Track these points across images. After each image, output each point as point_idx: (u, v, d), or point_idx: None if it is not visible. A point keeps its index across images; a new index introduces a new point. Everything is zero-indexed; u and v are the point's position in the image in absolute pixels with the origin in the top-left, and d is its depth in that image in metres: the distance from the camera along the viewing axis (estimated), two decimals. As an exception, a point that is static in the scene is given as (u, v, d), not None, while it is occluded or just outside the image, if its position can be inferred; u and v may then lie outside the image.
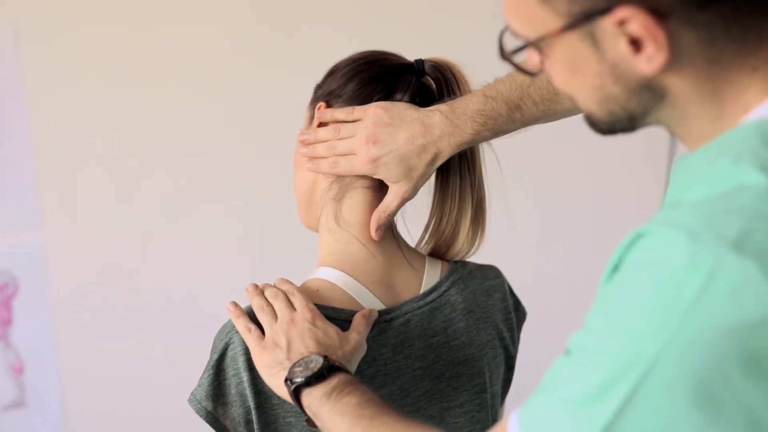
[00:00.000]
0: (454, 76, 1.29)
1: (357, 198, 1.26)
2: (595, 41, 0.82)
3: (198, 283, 2.55)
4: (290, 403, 1.17)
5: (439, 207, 1.31)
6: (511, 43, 0.89)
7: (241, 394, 1.18)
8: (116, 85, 2.47)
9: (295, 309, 1.17)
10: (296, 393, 1.11)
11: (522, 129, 1.28)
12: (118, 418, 2.53)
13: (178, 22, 2.50)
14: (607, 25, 0.80)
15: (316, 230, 1.31)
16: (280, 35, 2.53)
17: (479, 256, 1.42)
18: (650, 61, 0.80)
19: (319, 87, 1.31)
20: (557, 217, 2.71)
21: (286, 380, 1.12)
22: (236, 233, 2.57)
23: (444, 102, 1.25)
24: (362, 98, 1.25)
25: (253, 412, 1.18)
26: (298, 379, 1.10)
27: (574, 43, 0.83)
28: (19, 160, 2.44)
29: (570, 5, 0.82)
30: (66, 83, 2.45)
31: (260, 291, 1.21)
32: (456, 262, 1.35)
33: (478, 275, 1.35)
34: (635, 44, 0.80)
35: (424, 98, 1.27)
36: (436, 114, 1.23)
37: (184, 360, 2.37)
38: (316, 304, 1.20)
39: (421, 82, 1.28)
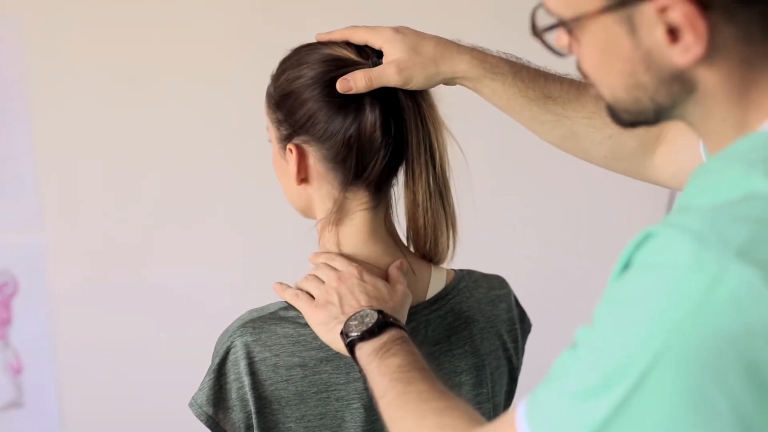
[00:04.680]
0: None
1: (357, 220, 1.24)
2: (632, 26, 0.82)
3: (198, 284, 2.55)
4: (290, 409, 1.17)
5: (413, 217, 1.26)
6: (544, 21, 0.88)
7: (242, 399, 1.17)
8: (119, 83, 2.46)
9: (339, 270, 1.20)
10: (351, 347, 1.13)
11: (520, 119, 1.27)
12: (115, 419, 2.52)
13: (182, 19, 2.49)
14: (647, 10, 0.80)
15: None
16: (287, 34, 2.52)
17: (475, 262, 1.41)
18: (686, 52, 0.80)
19: (276, 104, 1.24)
20: (555, 221, 2.71)
21: (342, 333, 1.14)
22: (237, 233, 2.57)
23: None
24: (333, 139, 1.20)
25: (254, 416, 1.17)
26: (354, 334, 1.13)
27: (610, 26, 0.83)
28: (20, 158, 2.43)
29: None
30: (68, 80, 2.45)
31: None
32: (462, 270, 1.34)
33: (484, 284, 1.34)
34: (672, 33, 0.80)
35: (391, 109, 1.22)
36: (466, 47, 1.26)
37: (183, 361, 2.36)
38: None
39: (386, 95, 1.21)
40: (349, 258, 1.24)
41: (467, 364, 1.29)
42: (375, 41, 1.22)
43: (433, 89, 1.25)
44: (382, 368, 1.09)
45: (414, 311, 1.25)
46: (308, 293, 1.20)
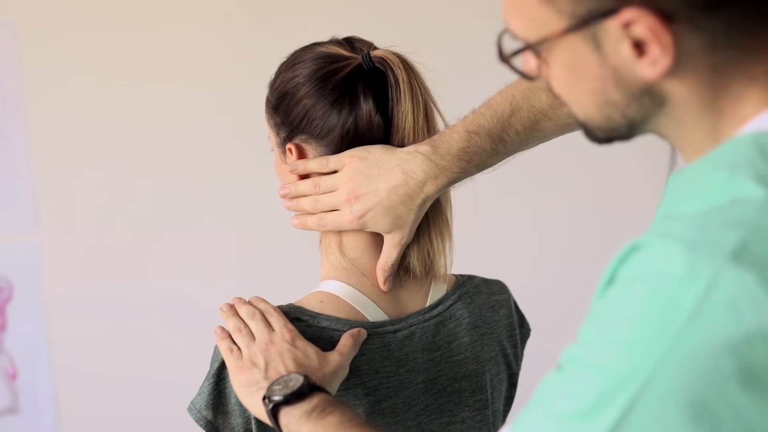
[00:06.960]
0: (403, 70, 1.21)
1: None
2: (597, 44, 0.81)
3: (195, 287, 2.54)
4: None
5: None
6: (510, 46, 0.87)
7: (241, 404, 1.16)
8: (114, 88, 2.47)
9: (273, 329, 1.15)
10: (274, 412, 1.09)
11: (504, 160, 1.26)
12: (112, 424, 2.52)
13: (177, 23, 2.50)
14: (611, 27, 0.79)
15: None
16: (284, 39, 2.51)
17: (477, 265, 1.39)
18: (653, 65, 0.79)
19: (274, 108, 1.24)
20: (557, 224, 2.70)
21: (264, 398, 1.10)
22: (234, 235, 2.57)
23: (423, 141, 1.20)
24: (331, 134, 1.20)
25: (253, 422, 1.17)
26: (277, 397, 1.08)
27: (575, 45, 0.82)
28: (15, 163, 2.43)
29: (574, 6, 0.80)
30: (64, 85, 2.45)
31: (235, 311, 1.19)
32: (462, 275, 1.33)
33: (485, 290, 1.33)
34: (638, 48, 0.79)
35: (384, 100, 1.20)
36: (417, 157, 1.19)
37: (180, 365, 2.36)
38: (319, 315, 1.19)
39: (378, 86, 1.20)
40: (350, 262, 1.23)
41: (467, 371, 1.28)
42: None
43: (430, 87, 1.25)
44: (320, 427, 1.05)
45: (413, 317, 1.25)
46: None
